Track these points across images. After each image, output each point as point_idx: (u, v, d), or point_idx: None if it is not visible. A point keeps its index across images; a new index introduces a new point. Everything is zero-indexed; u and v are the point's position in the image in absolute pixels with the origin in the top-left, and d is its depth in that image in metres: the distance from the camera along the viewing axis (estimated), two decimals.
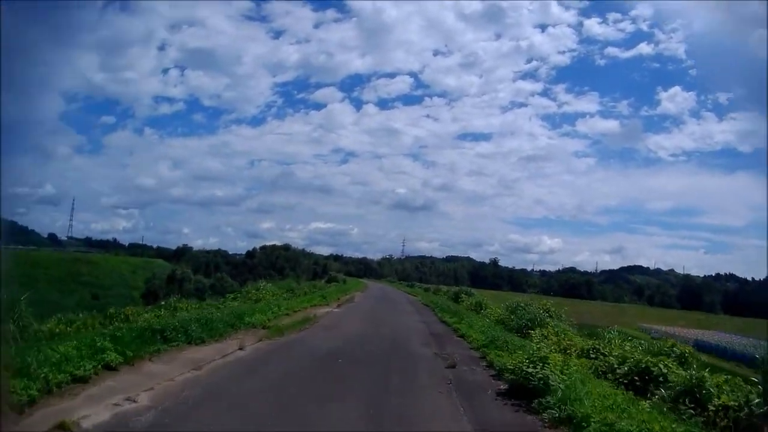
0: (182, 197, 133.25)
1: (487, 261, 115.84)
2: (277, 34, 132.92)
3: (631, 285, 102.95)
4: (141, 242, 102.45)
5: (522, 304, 17.77)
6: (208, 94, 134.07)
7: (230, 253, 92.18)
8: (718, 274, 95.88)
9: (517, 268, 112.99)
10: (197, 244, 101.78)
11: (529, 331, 13.74)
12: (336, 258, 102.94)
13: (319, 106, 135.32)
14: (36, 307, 8.39)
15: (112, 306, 12.88)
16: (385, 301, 33.69)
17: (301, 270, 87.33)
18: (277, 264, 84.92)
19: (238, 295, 21.05)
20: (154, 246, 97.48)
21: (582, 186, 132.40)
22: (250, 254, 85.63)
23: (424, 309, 27.49)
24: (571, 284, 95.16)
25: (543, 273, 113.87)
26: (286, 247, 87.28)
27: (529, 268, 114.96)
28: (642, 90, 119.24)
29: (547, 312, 16.76)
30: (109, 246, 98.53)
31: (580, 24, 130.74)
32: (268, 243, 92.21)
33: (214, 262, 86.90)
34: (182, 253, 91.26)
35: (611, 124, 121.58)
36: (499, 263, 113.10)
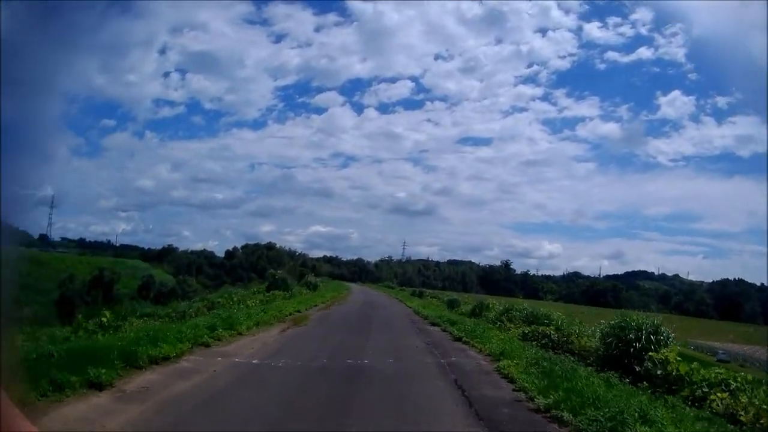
0: (182, 199, 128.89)
1: (493, 264, 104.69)
2: (278, 38, 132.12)
3: (642, 291, 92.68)
4: (137, 244, 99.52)
5: None
6: (208, 97, 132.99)
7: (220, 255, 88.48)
8: (726, 279, 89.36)
9: (522, 272, 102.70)
10: (197, 246, 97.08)
11: None
12: (329, 260, 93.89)
13: (320, 110, 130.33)
14: None
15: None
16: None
17: (285, 272, 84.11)
18: (259, 265, 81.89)
19: None
20: (146, 248, 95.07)
21: (581, 191, 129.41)
22: (230, 254, 77.86)
23: None
24: (595, 291, 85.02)
25: (547, 278, 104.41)
26: (270, 246, 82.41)
27: (530, 273, 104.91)
28: (642, 94, 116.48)
29: None
30: (101, 247, 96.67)
31: (580, 28, 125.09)
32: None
33: (197, 263, 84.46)
34: (166, 253, 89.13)
35: (611, 127, 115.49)
36: (511, 266, 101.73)
